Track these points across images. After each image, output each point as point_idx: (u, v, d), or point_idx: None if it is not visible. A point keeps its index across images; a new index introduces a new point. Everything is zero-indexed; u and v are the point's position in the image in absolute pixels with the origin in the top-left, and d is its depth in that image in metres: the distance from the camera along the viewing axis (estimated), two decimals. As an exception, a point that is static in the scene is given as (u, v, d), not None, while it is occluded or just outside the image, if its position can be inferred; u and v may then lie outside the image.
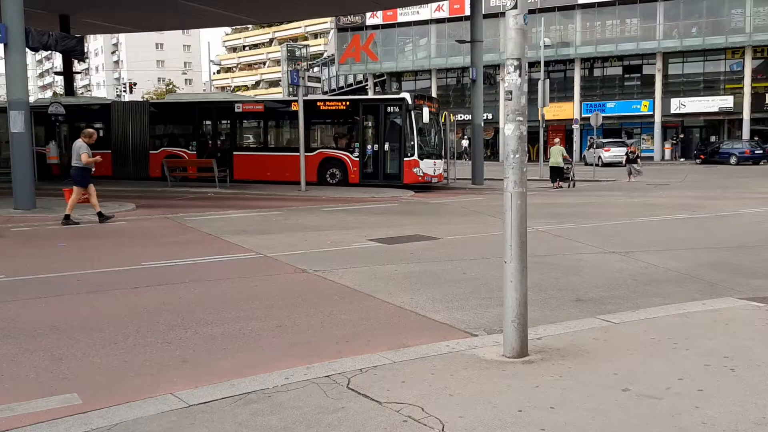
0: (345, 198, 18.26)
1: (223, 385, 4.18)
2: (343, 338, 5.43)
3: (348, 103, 22.00)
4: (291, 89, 20.85)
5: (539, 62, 32.52)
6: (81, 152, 12.85)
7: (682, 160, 43.89)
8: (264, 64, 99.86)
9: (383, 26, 51.21)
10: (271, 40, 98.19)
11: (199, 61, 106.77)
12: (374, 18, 50.50)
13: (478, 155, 24.80)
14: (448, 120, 23.49)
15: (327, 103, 22.18)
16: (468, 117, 30.41)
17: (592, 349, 4.74)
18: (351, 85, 57.97)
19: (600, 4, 45.22)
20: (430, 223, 12.94)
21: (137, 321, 5.96)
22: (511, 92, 4.48)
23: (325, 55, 69.78)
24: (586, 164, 38.50)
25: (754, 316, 5.52)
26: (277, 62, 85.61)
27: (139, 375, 4.63)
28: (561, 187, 22.86)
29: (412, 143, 20.34)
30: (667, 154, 45.28)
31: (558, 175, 23.29)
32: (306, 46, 73.06)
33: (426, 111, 20.13)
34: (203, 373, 4.61)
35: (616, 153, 37.94)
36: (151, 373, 4.67)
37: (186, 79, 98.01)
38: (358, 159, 21.23)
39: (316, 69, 55.51)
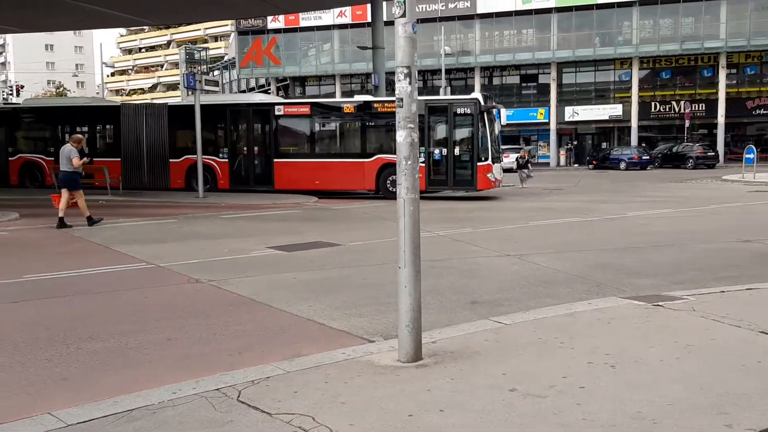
0: (245, 205, 17.94)
1: (106, 402, 3.98)
2: (237, 350, 5.30)
3: None
4: (188, 93, 20.08)
5: (441, 70, 33.18)
6: (72, 156, 12.98)
7: (576, 165, 45.89)
8: (162, 66, 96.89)
9: (285, 30, 50.84)
10: (168, 42, 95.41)
11: (92, 63, 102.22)
12: (276, 22, 50.04)
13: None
14: None
15: (386, 104, 20.00)
16: (372, 123, 30.61)
17: (483, 351, 4.83)
18: (253, 89, 57.13)
19: (498, 15, 46.71)
20: (332, 230, 12.90)
21: (15, 337, 5.60)
22: (402, 99, 4.52)
23: (225, 58, 68.47)
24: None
25: (635, 314, 5.80)
26: (176, 65, 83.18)
27: (15, 394, 4.35)
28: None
29: (486, 147, 19.06)
30: (563, 160, 47.25)
31: None
32: (206, 48, 71.24)
33: (503, 112, 19.47)
34: (85, 391, 4.37)
35: (514, 159, 39.28)
36: (28, 392, 4.39)
37: (78, 82, 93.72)
38: (424, 164, 19.34)
39: (216, 72, 54.40)
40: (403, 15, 4.39)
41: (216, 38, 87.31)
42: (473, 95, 20.00)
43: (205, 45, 76.98)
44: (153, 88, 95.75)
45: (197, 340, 5.59)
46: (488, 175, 19.35)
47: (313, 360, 4.75)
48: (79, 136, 14.30)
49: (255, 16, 45.27)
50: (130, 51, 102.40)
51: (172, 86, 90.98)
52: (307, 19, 49.59)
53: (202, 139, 19.79)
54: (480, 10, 46.62)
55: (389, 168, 19.41)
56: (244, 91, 57.31)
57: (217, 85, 23.88)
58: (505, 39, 47.82)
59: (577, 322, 5.57)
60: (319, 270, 8.74)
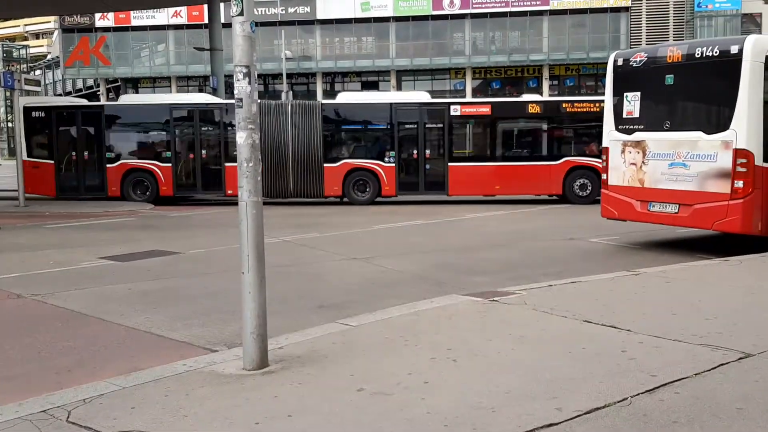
0: (73, 213, 16.68)
1: None
2: (66, 367, 4.90)
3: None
4: (7, 93, 18.41)
5: (282, 74, 32.98)
6: None
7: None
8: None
9: (116, 29, 48.07)
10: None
11: None
12: (105, 20, 47.15)
13: (222, 166, 24.36)
14: None
15: (575, 104, 18.73)
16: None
17: (331, 354, 4.82)
18: (80, 90, 53.56)
19: (338, 21, 47.25)
20: (171, 238, 12.35)
21: None
22: (241, 99, 4.41)
23: (48, 57, 63.61)
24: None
25: (474, 310, 6.06)
26: (-8, 63, 76.09)
27: None
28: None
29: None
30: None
31: None
32: (26, 46, 66.00)
33: None
34: None
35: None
36: None
37: None
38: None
39: (38, 72, 50.40)
40: (241, 13, 4.28)
41: (37, 35, 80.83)
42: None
43: (25, 42, 71.27)
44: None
45: (19, 360, 5.11)
46: None
47: (152, 374, 4.50)
48: None
49: (81, 12, 42.48)
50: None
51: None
52: (139, 18, 47.20)
53: (360, 141, 18.77)
54: (320, 16, 46.89)
55: (577, 171, 18.52)
56: (69, 93, 53.61)
57: (39, 85, 22.13)
58: (346, 45, 48.48)
59: (421, 320, 5.72)
60: (157, 280, 8.32)
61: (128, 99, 21.51)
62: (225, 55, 24.88)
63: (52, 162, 19.56)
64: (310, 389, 4.10)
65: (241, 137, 4.44)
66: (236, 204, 4.64)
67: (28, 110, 19.65)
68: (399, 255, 10.08)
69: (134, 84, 50.87)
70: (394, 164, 19.07)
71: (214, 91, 24.18)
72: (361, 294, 7.39)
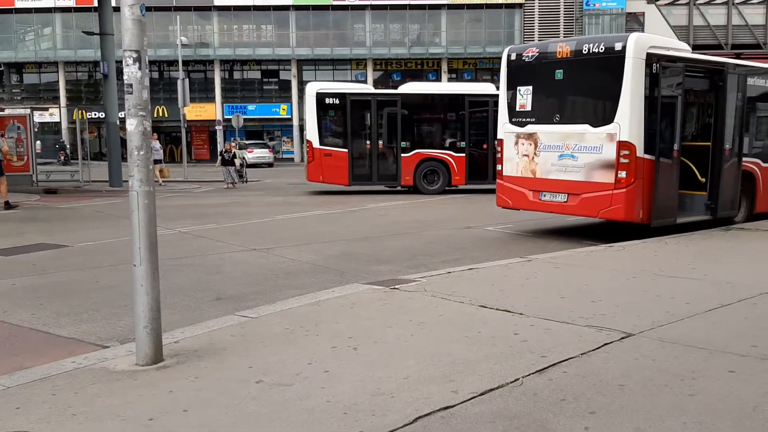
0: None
1: None
2: (-61, 370, 4.57)
3: None
4: None
5: (177, 61, 31.97)
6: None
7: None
8: None
9: (-2, 11, 45.13)
10: None
11: None
12: (-15, 1, 44.19)
13: (115, 156, 23.40)
14: (78, 118, 21.60)
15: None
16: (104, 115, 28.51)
17: (229, 346, 4.74)
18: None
19: (236, 8, 46.24)
20: (59, 230, 11.75)
21: None
22: (131, 85, 4.24)
23: None
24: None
25: (375, 298, 6.13)
26: None
27: None
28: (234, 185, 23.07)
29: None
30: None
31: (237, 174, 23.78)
32: None
33: None
34: None
35: (259, 154, 39.69)
36: None
37: None
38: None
39: None
40: (131, -5, 4.11)
41: None
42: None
43: None
44: None
45: None
46: None
47: (39, 372, 4.28)
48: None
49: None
50: None
51: None
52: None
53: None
54: (217, 3, 45.77)
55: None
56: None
57: None
58: (245, 33, 47.55)
59: (322, 310, 5.72)
60: (43, 274, 7.90)
61: (417, 87, 20.53)
62: (116, 40, 23.82)
63: (345, 150, 19.09)
64: (208, 383, 4.02)
65: (132, 124, 4.28)
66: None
67: (321, 97, 18.90)
68: (300, 245, 10.02)
69: (18, 69, 47.92)
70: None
71: (105, 78, 23.13)
72: (260, 285, 7.30)
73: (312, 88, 19.27)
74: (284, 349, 4.66)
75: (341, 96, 19.10)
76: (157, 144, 24.85)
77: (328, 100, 19.06)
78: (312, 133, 19.08)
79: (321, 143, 18.98)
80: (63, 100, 46.61)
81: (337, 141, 19.27)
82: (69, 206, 16.40)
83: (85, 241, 10.38)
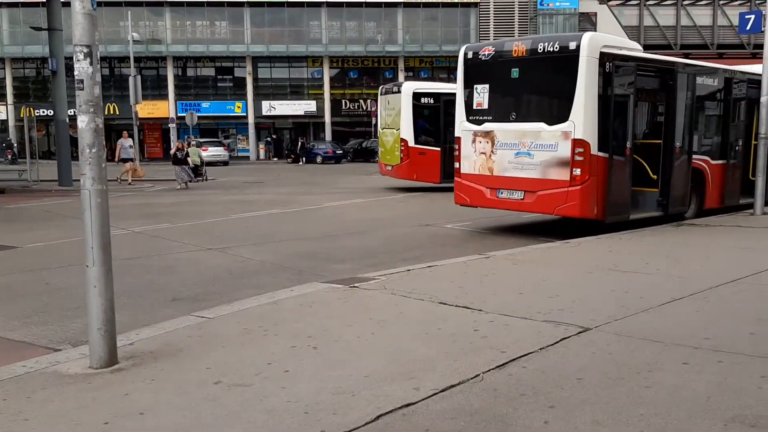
0: None
1: None
2: None
3: None
4: None
5: (129, 57, 31.34)
6: None
7: (275, 159, 46.90)
8: None
9: (-61, 5, 43.56)
10: None
11: None
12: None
13: (64, 154, 22.80)
14: (26, 116, 20.97)
15: None
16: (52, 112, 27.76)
17: (186, 347, 4.65)
18: None
19: (189, 4, 45.53)
20: (6, 231, 11.40)
21: None
22: (82, 81, 4.12)
23: None
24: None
25: (334, 297, 6.09)
26: None
27: None
28: (189, 184, 22.62)
29: None
30: (262, 154, 47.93)
31: (194, 172, 23.53)
32: None
33: None
34: None
35: (214, 152, 39.11)
36: None
37: None
38: None
39: None
40: (81, -12, 4.00)
41: None
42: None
43: None
44: None
45: None
46: None
47: (-14, 378, 4.13)
48: None
49: None
50: None
51: None
52: (-34, -7, 43.08)
53: None
54: (170, -2, 45.02)
55: None
56: None
57: None
58: (198, 30, 46.83)
59: (281, 309, 5.66)
60: (-10, 277, 7.64)
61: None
62: (65, 36, 23.21)
63: (438, 149, 18.63)
64: (164, 385, 3.94)
65: (83, 121, 4.16)
66: None
67: (417, 96, 18.53)
68: (257, 244, 9.91)
69: (-39, 64, 46.33)
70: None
71: (54, 74, 22.52)
72: (217, 285, 7.19)
73: (408, 87, 19.16)
74: (243, 350, 4.59)
75: (436, 96, 18.94)
76: (128, 142, 24.32)
77: (423, 100, 19.00)
78: (407, 132, 18.92)
79: (416, 142, 18.89)
80: (10, 98, 45.27)
81: (429, 140, 19.12)
82: (17, 206, 15.92)
83: (34, 242, 10.09)
